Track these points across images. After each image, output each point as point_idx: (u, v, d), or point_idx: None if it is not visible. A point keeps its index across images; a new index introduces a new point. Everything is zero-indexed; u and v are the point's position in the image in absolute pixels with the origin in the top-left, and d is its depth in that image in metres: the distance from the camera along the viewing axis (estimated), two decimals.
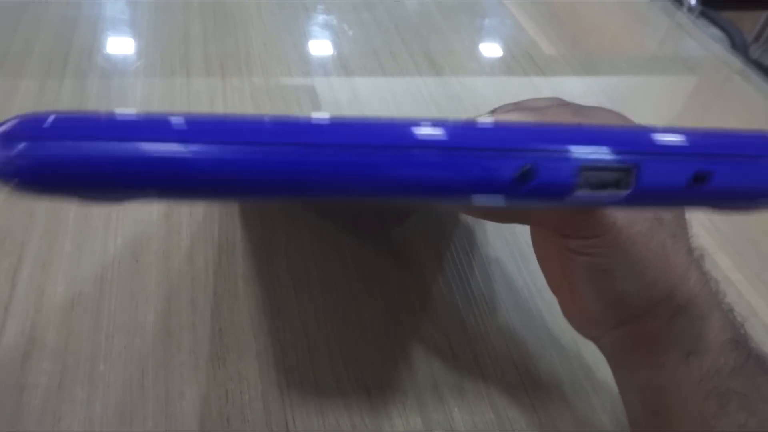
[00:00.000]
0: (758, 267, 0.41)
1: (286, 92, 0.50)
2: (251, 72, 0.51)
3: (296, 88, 0.51)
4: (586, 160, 0.15)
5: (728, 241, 0.43)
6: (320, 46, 0.57)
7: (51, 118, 0.14)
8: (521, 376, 0.32)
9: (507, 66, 0.59)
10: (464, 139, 0.15)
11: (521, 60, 0.60)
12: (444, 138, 0.15)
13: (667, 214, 0.24)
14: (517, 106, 0.27)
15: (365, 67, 0.55)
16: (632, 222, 0.22)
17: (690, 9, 0.76)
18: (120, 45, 0.52)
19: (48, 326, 0.30)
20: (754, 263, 0.41)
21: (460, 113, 0.51)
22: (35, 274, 0.32)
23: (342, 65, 0.54)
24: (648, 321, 0.24)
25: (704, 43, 0.71)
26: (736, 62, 0.67)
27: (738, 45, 0.71)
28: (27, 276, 0.32)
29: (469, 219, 0.40)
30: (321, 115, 0.22)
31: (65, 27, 0.52)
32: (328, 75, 0.53)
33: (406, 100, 0.51)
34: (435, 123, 0.15)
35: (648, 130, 0.17)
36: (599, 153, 0.15)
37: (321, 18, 0.61)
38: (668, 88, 0.63)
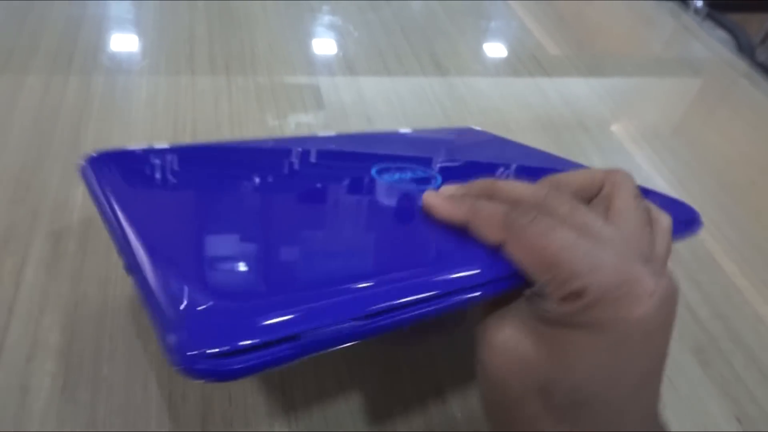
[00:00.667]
0: (764, 273, 0.41)
1: (291, 92, 0.50)
2: (256, 72, 0.51)
3: (301, 88, 0.51)
4: None
5: (734, 247, 0.43)
6: (325, 47, 0.57)
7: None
8: None
9: (512, 67, 0.59)
10: None
11: (526, 61, 0.60)
12: None
13: (559, 391, 0.20)
14: (465, 193, 0.26)
15: (370, 68, 0.55)
16: (507, 384, 0.21)
17: (696, 11, 0.76)
18: (125, 44, 0.52)
19: (52, 327, 0.30)
20: (760, 270, 0.41)
21: (465, 115, 0.51)
22: (39, 275, 0.32)
23: (347, 66, 0.54)
24: None
25: (710, 45, 0.70)
26: (742, 65, 0.66)
27: (744, 47, 0.71)
28: (31, 277, 0.32)
29: None
30: None
31: (70, 26, 0.52)
32: (333, 75, 0.53)
33: (411, 101, 0.51)
34: None
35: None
36: None
37: (326, 19, 0.61)
38: (673, 91, 0.62)
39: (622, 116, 0.55)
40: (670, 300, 0.21)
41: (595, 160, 0.49)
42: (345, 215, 0.28)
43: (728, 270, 0.41)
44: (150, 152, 0.32)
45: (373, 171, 0.32)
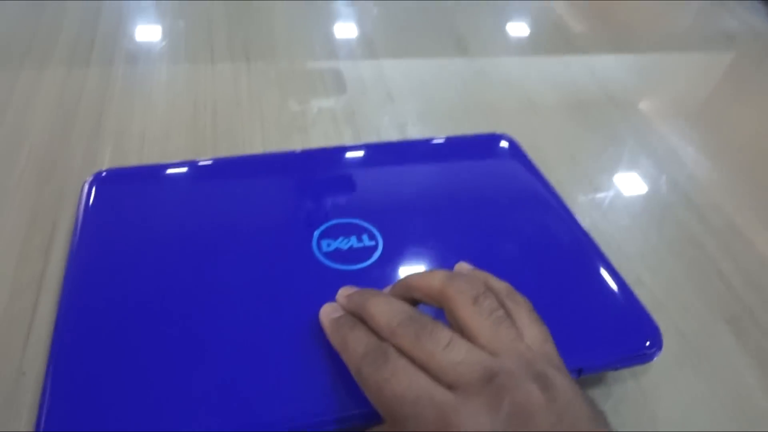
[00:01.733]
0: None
1: (311, 74, 0.49)
2: (275, 54, 0.51)
3: (321, 68, 0.50)
4: None
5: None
6: (345, 27, 0.56)
7: None
8: None
9: (537, 44, 0.58)
10: None
11: (550, 36, 0.59)
12: None
13: None
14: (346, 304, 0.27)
15: (390, 46, 0.54)
16: None
17: None
18: (144, 30, 0.53)
19: None
20: None
21: (485, 92, 0.50)
22: (67, 251, 0.33)
23: (366, 44, 0.54)
24: None
25: (742, 16, 0.68)
26: None
27: None
28: (59, 252, 0.33)
29: None
30: None
31: (90, 14, 0.53)
32: (353, 54, 0.52)
33: (433, 81, 0.51)
34: None
35: None
36: None
37: None
38: (705, 64, 0.60)
39: (651, 92, 0.54)
40: (517, 420, 0.20)
41: (626, 136, 0.47)
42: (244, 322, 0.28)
43: (761, 240, 0.39)
44: (153, 173, 0.35)
45: (316, 235, 0.32)
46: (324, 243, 0.32)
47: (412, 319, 0.24)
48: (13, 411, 0.27)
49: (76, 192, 0.36)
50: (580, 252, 0.34)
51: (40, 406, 0.24)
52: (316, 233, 0.32)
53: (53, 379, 0.25)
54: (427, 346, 0.22)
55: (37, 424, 0.24)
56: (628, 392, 0.31)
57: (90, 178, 0.33)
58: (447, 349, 0.22)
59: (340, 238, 0.32)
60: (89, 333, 0.27)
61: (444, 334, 0.23)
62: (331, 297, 0.29)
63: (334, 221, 0.33)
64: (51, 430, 0.24)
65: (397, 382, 0.22)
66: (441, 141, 0.41)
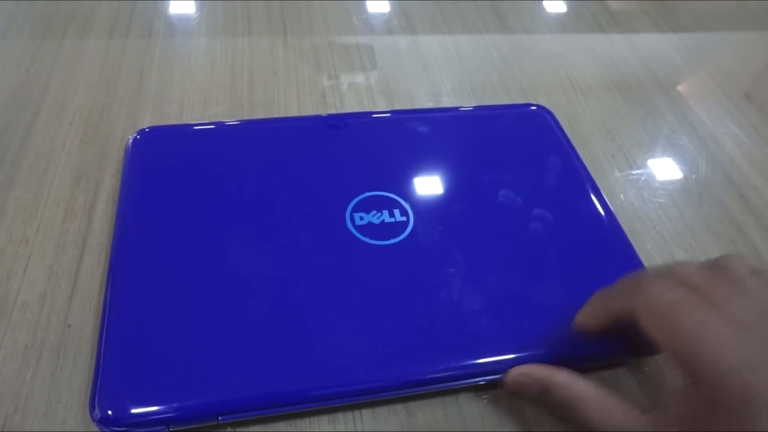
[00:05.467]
0: None
1: (348, 49, 0.49)
2: (312, 27, 0.51)
3: (357, 39, 0.50)
4: None
5: None
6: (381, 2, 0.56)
7: None
8: None
9: (579, 20, 0.56)
10: None
11: (592, 11, 0.57)
12: None
13: None
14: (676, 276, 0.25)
15: (427, 19, 0.53)
16: None
17: None
18: (182, 3, 0.53)
19: None
20: None
21: (523, 65, 0.49)
22: (109, 210, 0.34)
23: (403, 15, 0.53)
24: None
25: None
26: None
27: None
28: (101, 212, 0.34)
29: None
30: None
31: None
32: (390, 26, 0.52)
33: (468, 51, 0.50)
34: None
35: None
36: None
37: None
38: (750, 43, 0.58)
39: (694, 70, 0.52)
40: None
41: (666, 114, 0.46)
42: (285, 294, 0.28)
43: None
44: (196, 132, 0.36)
45: (349, 209, 0.32)
46: (357, 216, 0.32)
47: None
48: (60, 360, 0.28)
49: (118, 154, 0.37)
50: (600, 232, 0.33)
51: (97, 362, 0.26)
52: (350, 207, 0.32)
53: (108, 333, 0.26)
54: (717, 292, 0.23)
55: (94, 381, 0.25)
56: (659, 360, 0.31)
57: (135, 135, 0.34)
58: (739, 302, 0.22)
59: (373, 212, 0.32)
60: (141, 288, 0.28)
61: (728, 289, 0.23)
62: (361, 271, 0.29)
63: (367, 194, 0.33)
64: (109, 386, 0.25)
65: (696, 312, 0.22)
66: (474, 110, 0.41)
